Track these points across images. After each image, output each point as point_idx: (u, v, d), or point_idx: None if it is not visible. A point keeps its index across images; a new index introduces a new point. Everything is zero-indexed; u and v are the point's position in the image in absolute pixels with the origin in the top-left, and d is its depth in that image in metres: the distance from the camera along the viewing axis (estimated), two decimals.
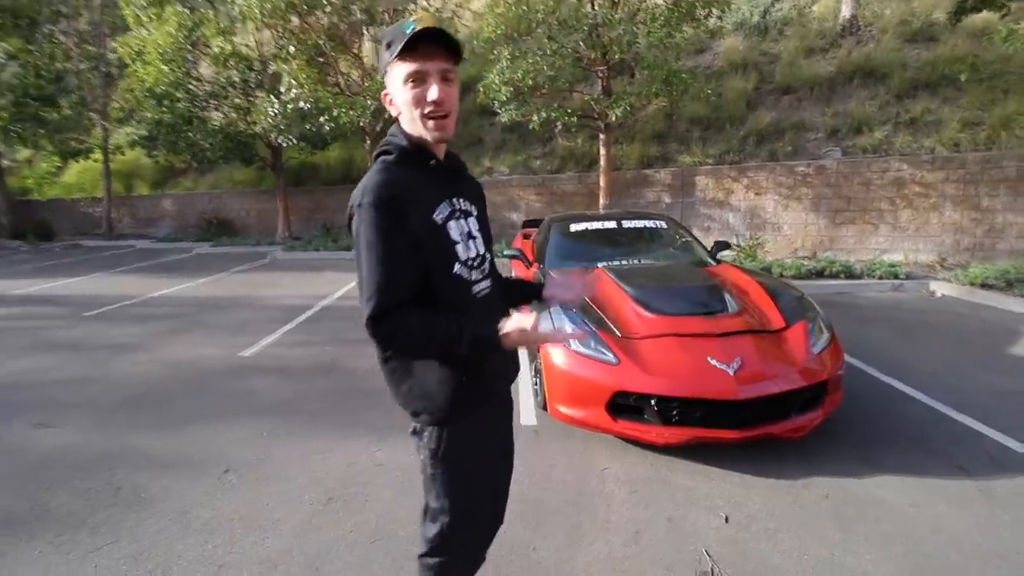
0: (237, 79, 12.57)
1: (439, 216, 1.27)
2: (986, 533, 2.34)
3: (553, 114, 8.67)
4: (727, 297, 3.40)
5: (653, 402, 2.83)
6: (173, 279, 9.33)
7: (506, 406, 1.55)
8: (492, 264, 1.44)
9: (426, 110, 1.22)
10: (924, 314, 5.96)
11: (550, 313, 3.32)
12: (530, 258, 4.92)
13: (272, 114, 10.83)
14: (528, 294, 1.63)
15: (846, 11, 11.11)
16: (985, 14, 8.16)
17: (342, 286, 8.01)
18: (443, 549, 1.40)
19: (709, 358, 2.87)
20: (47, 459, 3.13)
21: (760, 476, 2.78)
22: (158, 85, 12.06)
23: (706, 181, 9.95)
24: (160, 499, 2.70)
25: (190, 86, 12.68)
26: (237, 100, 12.79)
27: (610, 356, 2.96)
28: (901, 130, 9.27)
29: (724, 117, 10.62)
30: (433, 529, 1.39)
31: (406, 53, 1.18)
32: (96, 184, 17.22)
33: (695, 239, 5.00)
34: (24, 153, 19.38)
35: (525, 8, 8.40)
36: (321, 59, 11.28)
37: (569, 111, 8.83)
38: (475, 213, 1.39)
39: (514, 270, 5.43)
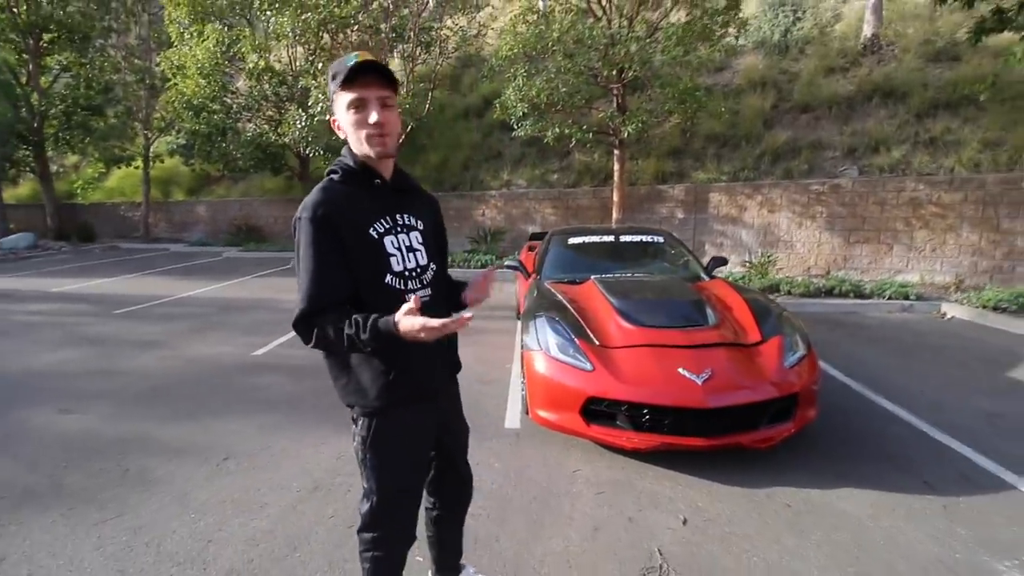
0: (269, 93, 13.16)
1: (375, 231, 1.45)
2: (941, 547, 2.40)
3: (568, 130, 8.88)
4: (708, 311, 3.51)
5: (624, 408, 2.97)
6: (200, 281, 9.80)
7: (446, 400, 1.70)
8: (437, 273, 1.59)
9: (368, 132, 1.41)
10: (928, 336, 5.91)
11: (535, 323, 3.50)
12: (530, 269, 5.10)
13: (300, 126, 11.32)
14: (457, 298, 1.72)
15: (868, 30, 11.08)
16: (1009, 34, 8.08)
17: None
18: (374, 525, 1.58)
19: (680, 368, 2.99)
20: (67, 441, 3.43)
21: (726, 484, 2.88)
22: (196, 97, 12.75)
23: (720, 198, 9.99)
24: (164, 481, 2.94)
25: (225, 99, 13.34)
26: (269, 112, 13.39)
27: (586, 363, 3.11)
28: (920, 150, 9.19)
29: (740, 135, 10.66)
30: (365, 506, 1.57)
31: (349, 83, 1.38)
32: (136, 190, 18.09)
33: (692, 254, 5.11)
34: (71, 159, 20.54)
35: (543, 27, 8.68)
36: None
37: (584, 127, 9.03)
38: (420, 228, 1.56)
39: (518, 282, 5.62)
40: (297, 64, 13.30)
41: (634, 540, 2.44)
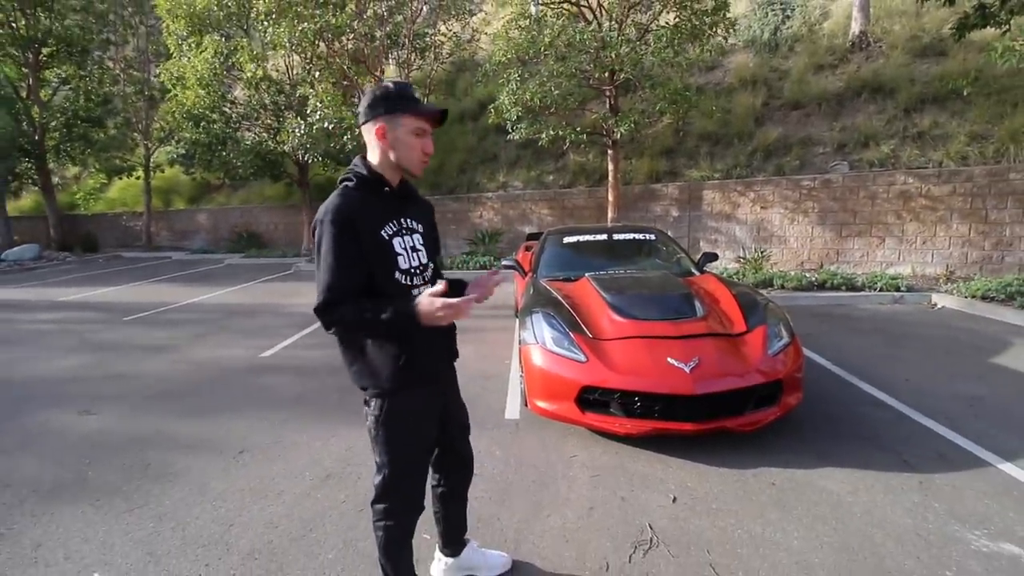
0: (268, 101, 13.37)
1: (386, 233, 1.64)
2: (915, 519, 2.56)
3: (562, 132, 9.07)
4: (696, 304, 3.67)
5: (617, 396, 3.14)
6: (204, 288, 9.98)
7: (446, 385, 1.89)
8: (436, 271, 1.80)
9: (421, 156, 1.68)
10: (918, 326, 6.08)
11: (531, 319, 3.67)
12: (526, 269, 5.27)
13: (299, 134, 11.51)
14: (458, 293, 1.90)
15: (856, 27, 11.26)
16: (992, 29, 8.25)
17: None
18: (387, 496, 1.76)
19: (669, 358, 3.16)
20: (89, 440, 3.60)
21: (714, 466, 3.05)
22: (195, 107, 12.95)
23: (713, 195, 10.17)
24: (184, 474, 3.11)
25: (224, 108, 13.55)
26: (268, 121, 13.59)
27: (580, 355, 3.28)
28: (908, 144, 9.37)
29: (732, 133, 10.85)
30: (378, 479, 1.75)
31: (426, 116, 1.65)
32: (137, 199, 18.30)
33: (683, 251, 5.28)
34: (73, 170, 20.76)
35: (536, 32, 8.87)
36: (346, 82, 11.95)
37: (578, 128, 9.22)
38: (421, 230, 1.76)
39: (516, 281, 5.79)
40: (294, 73, 13.51)
41: (627, 517, 2.60)
